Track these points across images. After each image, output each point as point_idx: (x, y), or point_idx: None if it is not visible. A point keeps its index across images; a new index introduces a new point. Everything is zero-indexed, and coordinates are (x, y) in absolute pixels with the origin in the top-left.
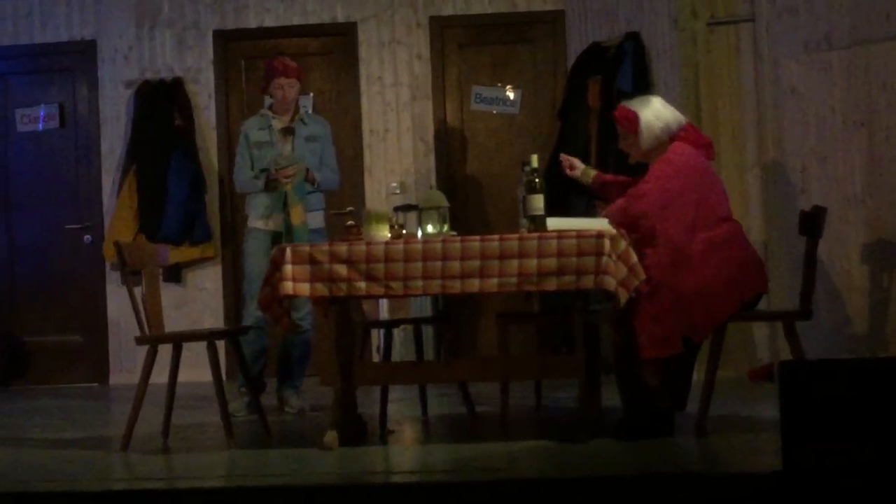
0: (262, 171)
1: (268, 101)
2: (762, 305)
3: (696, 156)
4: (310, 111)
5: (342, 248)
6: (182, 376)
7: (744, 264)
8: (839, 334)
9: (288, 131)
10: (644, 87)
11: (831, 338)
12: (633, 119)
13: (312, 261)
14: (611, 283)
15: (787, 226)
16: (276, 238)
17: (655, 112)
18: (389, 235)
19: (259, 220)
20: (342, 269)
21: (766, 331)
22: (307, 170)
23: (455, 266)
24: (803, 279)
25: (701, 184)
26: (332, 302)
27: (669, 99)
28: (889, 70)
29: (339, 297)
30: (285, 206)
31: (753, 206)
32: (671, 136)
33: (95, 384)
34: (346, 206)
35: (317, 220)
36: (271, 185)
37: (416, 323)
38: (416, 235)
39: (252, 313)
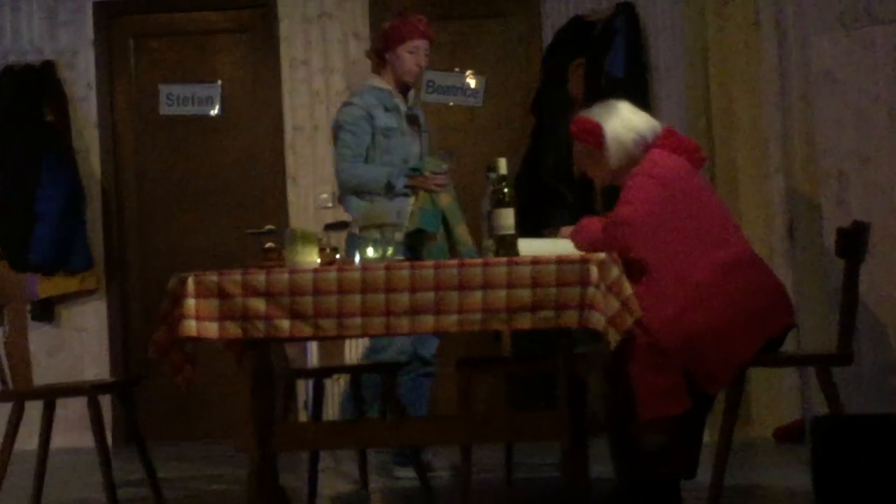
0: (414, 169)
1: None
2: (789, 346)
3: (680, 163)
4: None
5: (259, 278)
6: (57, 441)
7: (764, 293)
8: (886, 382)
9: (412, 120)
10: (639, 72)
11: (876, 387)
12: (597, 132)
13: (222, 293)
14: (599, 320)
15: (821, 246)
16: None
17: (624, 121)
18: (319, 261)
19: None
20: (259, 304)
21: (796, 379)
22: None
23: (403, 300)
24: (841, 314)
25: (692, 196)
26: (246, 345)
27: (672, 88)
28: None
29: (255, 339)
30: (445, 224)
31: (777, 221)
32: (646, 149)
33: None
34: (263, 223)
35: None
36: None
37: (355, 372)
38: (353, 261)
39: (396, 343)
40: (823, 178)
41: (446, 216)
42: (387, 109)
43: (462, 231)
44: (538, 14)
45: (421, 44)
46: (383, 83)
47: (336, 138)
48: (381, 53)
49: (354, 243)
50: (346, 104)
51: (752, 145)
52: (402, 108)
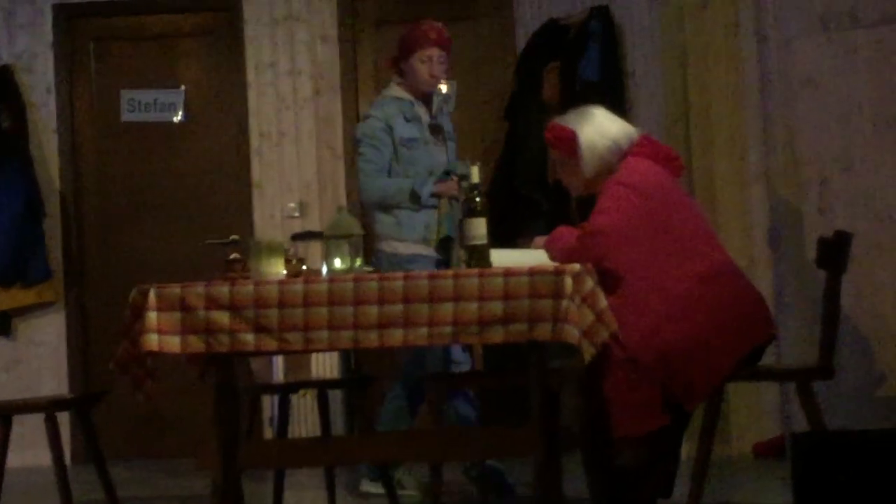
0: (445, 173)
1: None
2: (769, 359)
3: (657, 171)
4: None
5: (223, 290)
6: (13, 459)
7: (743, 305)
8: (869, 397)
9: (437, 129)
10: (615, 76)
11: (859, 401)
12: (571, 140)
13: (184, 306)
14: (573, 333)
15: (802, 256)
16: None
17: (599, 128)
18: (285, 273)
19: (421, 243)
20: (223, 318)
21: (776, 393)
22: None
23: (371, 312)
24: (822, 326)
25: (669, 205)
26: (210, 360)
27: (648, 93)
28: None
29: (219, 353)
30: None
31: (757, 230)
32: (622, 157)
33: None
34: (227, 233)
35: None
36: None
37: (321, 387)
38: (320, 273)
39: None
40: (805, 186)
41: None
42: (407, 120)
43: None
44: (511, 17)
45: (434, 52)
46: (403, 93)
47: (357, 153)
48: (397, 63)
49: (380, 261)
50: (366, 117)
51: (732, 152)
52: (425, 117)
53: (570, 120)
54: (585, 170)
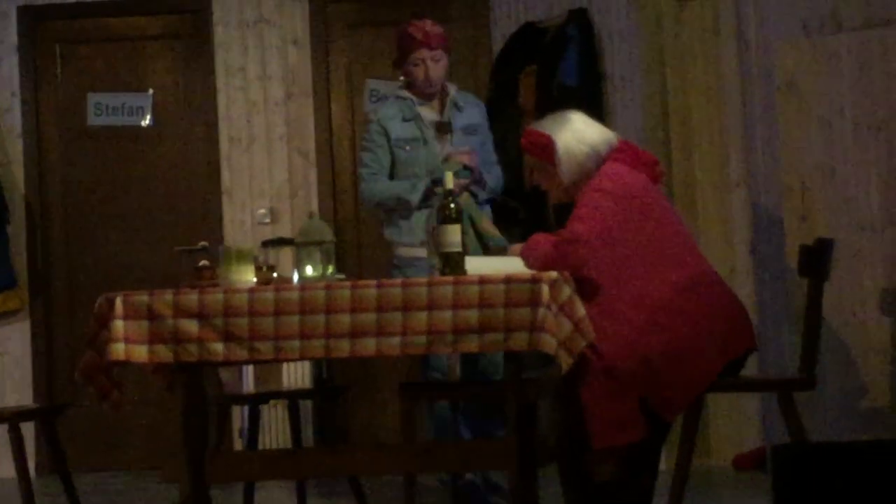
0: (435, 181)
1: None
2: (750, 369)
3: (636, 177)
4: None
5: (192, 298)
6: None
7: (724, 314)
8: (852, 408)
9: (444, 128)
10: (593, 81)
11: (841, 412)
12: (548, 146)
13: (152, 314)
14: (550, 343)
15: (783, 264)
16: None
17: (577, 134)
18: (255, 280)
19: (418, 246)
20: (192, 326)
21: (757, 404)
22: (472, 170)
23: (343, 321)
24: (804, 335)
25: (648, 212)
26: (178, 370)
27: (627, 98)
28: None
29: (187, 363)
30: (472, 223)
31: (738, 237)
32: (601, 163)
33: None
34: (196, 240)
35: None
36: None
37: (292, 397)
38: (291, 280)
39: (432, 363)
40: (786, 193)
41: (470, 214)
42: (406, 119)
43: (487, 225)
44: (487, 20)
45: (423, 54)
46: (407, 92)
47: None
48: (398, 66)
49: (413, 266)
50: (366, 121)
51: (712, 158)
52: (430, 115)
53: (548, 125)
54: (563, 176)
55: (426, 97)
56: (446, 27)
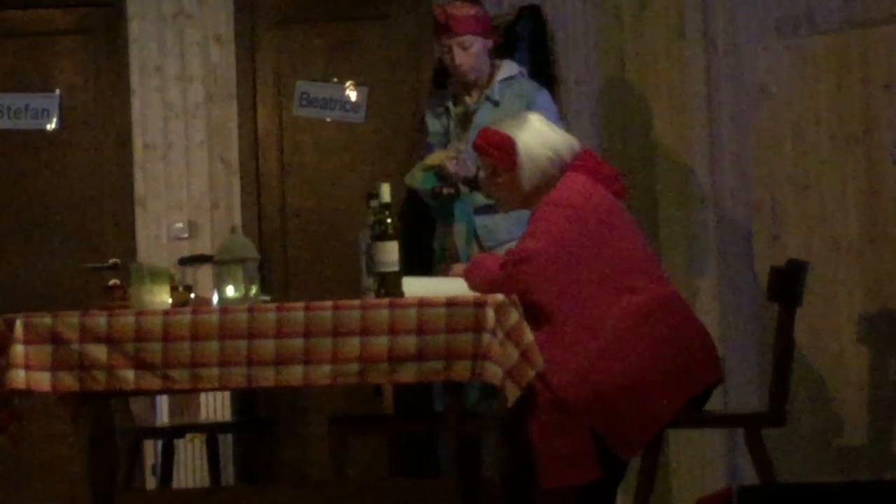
0: (442, 177)
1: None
2: (715, 403)
3: (597, 189)
4: (515, 75)
5: (100, 321)
6: None
7: (687, 342)
8: (826, 446)
9: (465, 120)
10: (545, 84)
11: (814, 451)
12: (508, 147)
13: (56, 339)
14: (495, 372)
15: (751, 288)
16: None
17: (539, 135)
18: (171, 301)
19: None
20: (100, 352)
21: (722, 441)
22: (446, 177)
23: (268, 347)
24: (774, 366)
25: (608, 230)
26: (84, 400)
27: (583, 104)
28: (895, 62)
29: (95, 392)
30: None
31: (702, 258)
32: (563, 170)
33: None
34: (106, 256)
35: None
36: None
37: (211, 431)
38: (210, 302)
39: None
40: (756, 209)
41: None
42: (437, 115)
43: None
44: (429, 15)
45: (447, 41)
46: (453, 83)
47: None
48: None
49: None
50: None
51: (675, 170)
52: (454, 109)
53: (507, 125)
54: (525, 182)
55: (464, 87)
56: (384, 22)
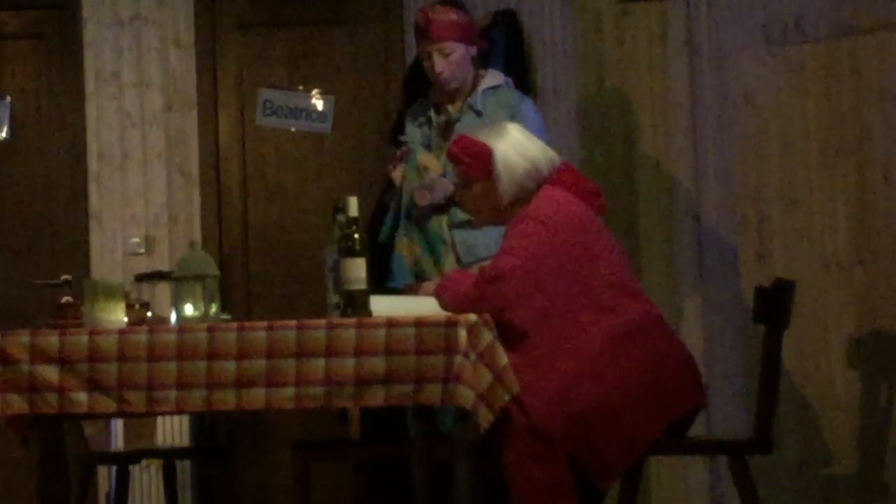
0: (426, 186)
1: None
2: (698, 429)
3: (577, 205)
4: (500, 84)
5: (51, 341)
6: None
7: (668, 365)
8: (813, 475)
9: (447, 129)
10: (521, 92)
11: (801, 480)
12: (485, 157)
13: (4, 359)
14: (467, 396)
15: (737, 308)
16: None
17: (517, 146)
18: (126, 320)
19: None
20: (51, 373)
21: (704, 469)
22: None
23: (228, 369)
24: (760, 390)
25: (587, 247)
26: (34, 423)
27: (561, 114)
28: (887, 72)
29: (46, 415)
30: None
31: (685, 277)
32: (540, 183)
33: None
34: (58, 272)
35: None
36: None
37: (168, 456)
38: (168, 321)
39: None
40: (741, 226)
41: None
42: (420, 123)
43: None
44: (400, 21)
45: (427, 47)
46: (435, 91)
47: None
48: None
49: None
50: None
51: (657, 184)
52: (439, 117)
53: (483, 134)
54: (503, 194)
55: (446, 96)
56: (351, 28)
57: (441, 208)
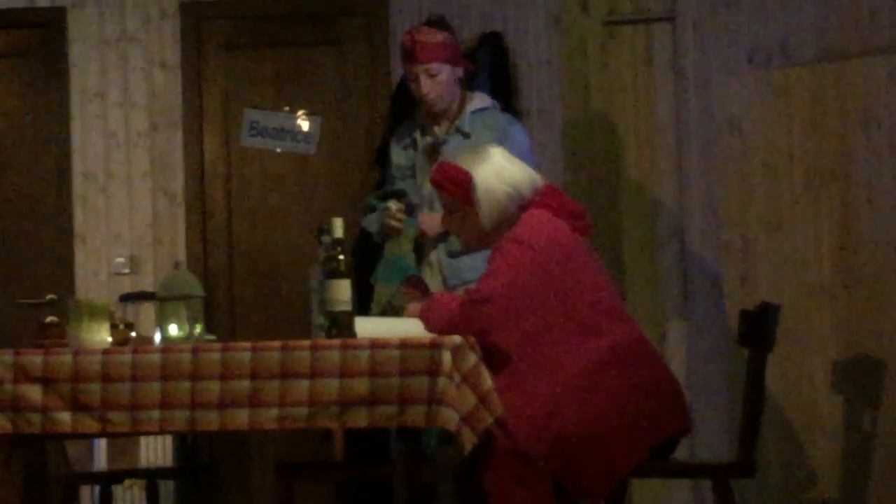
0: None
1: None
2: (682, 452)
3: (561, 227)
4: (488, 106)
5: (35, 360)
6: None
7: (652, 389)
8: (796, 499)
9: (434, 152)
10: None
11: (785, 502)
12: (465, 183)
13: None
14: (451, 418)
15: (721, 331)
16: None
17: (499, 171)
18: (110, 340)
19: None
20: (34, 392)
21: (688, 493)
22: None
23: (212, 389)
24: (743, 414)
25: (572, 270)
26: (16, 443)
27: (546, 136)
28: (873, 97)
29: (29, 434)
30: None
31: (669, 300)
32: (523, 207)
33: None
34: (42, 292)
35: None
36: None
37: (151, 477)
38: (152, 341)
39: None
40: (725, 250)
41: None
42: (406, 145)
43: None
44: (385, 42)
45: (412, 69)
46: (420, 114)
47: None
48: None
49: None
50: None
51: (641, 207)
52: (424, 140)
53: (465, 159)
54: (484, 220)
55: (433, 118)
56: (337, 49)
57: (442, 236)
